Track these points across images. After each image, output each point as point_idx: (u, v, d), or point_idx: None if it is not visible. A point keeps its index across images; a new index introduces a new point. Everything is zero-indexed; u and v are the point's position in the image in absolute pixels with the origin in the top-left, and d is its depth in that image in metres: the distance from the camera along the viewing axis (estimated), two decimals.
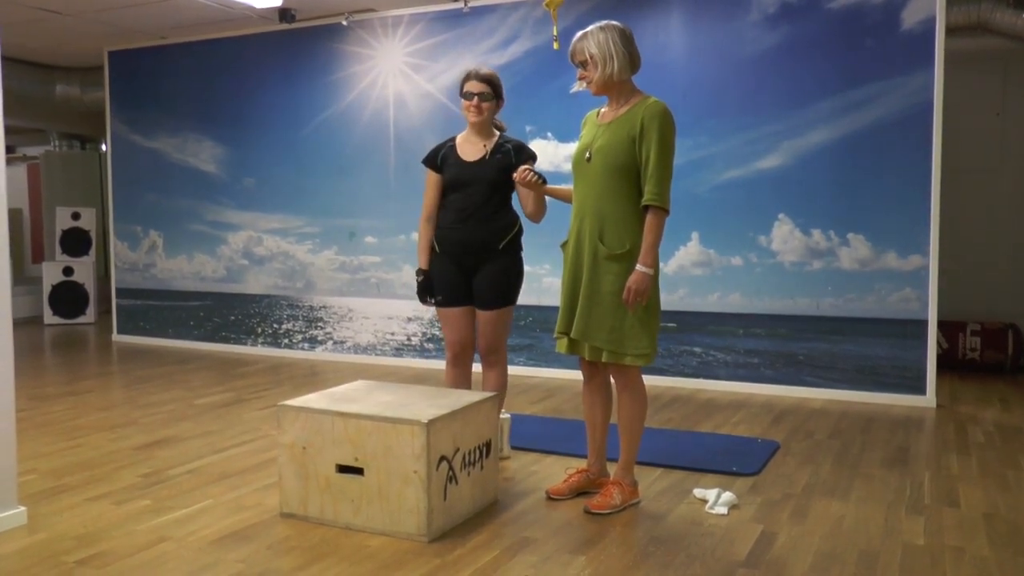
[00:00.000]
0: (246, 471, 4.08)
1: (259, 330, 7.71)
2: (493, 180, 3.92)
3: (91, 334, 9.16)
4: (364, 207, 7.09)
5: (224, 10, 6.91)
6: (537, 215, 3.94)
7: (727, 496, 3.58)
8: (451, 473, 3.25)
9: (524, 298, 6.42)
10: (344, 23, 7.08)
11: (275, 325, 7.64)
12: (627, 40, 3.42)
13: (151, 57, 8.20)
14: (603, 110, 3.54)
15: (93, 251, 10.01)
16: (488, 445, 3.51)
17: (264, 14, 7.00)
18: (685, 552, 3.06)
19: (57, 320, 9.77)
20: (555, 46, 4.50)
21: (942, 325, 6.45)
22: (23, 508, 3.40)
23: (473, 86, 3.93)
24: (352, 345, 7.26)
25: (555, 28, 4.42)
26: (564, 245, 3.58)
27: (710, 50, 5.96)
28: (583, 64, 3.44)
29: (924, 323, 5.48)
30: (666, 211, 3.33)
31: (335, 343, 7.35)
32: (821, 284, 5.73)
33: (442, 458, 3.20)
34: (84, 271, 9.87)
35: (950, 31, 5.80)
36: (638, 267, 3.31)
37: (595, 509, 3.45)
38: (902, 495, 3.72)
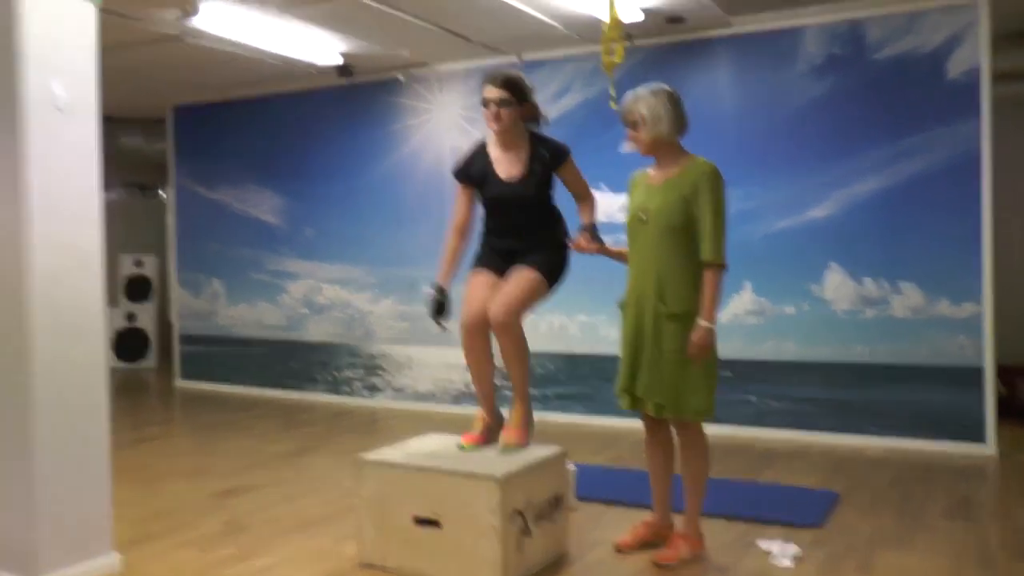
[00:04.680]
0: (322, 520, 4.23)
1: (319, 377, 7.91)
2: (533, 196, 3.69)
3: (153, 379, 9.44)
4: (423, 257, 7.26)
5: (285, 67, 7.17)
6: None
7: (792, 548, 3.66)
8: (524, 526, 3.38)
9: (581, 347, 6.62)
10: (400, 78, 7.32)
11: (335, 372, 7.84)
12: (676, 104, 3.56)
13: (214, 111, 8.53)
14: (651, 171, 3.66)
15: (154, 297, 10.32)
16: (558, 498, 3.63)
17: (324, 70, 7.25)
18: None
19: (121, 365, 10.06)
20: (612, 105, 4.65)
21: (1001, 371, 6.42)
22: (117, 555, 3.56)
23: (489, 92, 3.58)
24: (411, 393, 7.43)
25: (611, 87, 4.59)
26: (622, 305, 3.68)
27: (758, 101, 6.10)
28: (634, 124, 3.57)
29: (981, 370, 5.51)
30: (724, 267, 3.46)
31: (394, 391, 7.52)
32: (874, 332, 5.78)
33: (516, 511, 3.32)
34: (146, 317, 10.19)
35: (998, 78, 5.86)
36: (700, 322, 3.42)
37: (663, 561, 3.55)
38: (968, 548, 3.76)
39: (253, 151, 8.29)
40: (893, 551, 3.72)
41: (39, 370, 3.25)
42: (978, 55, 5.49)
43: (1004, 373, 6.56)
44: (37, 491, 3.24)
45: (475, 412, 3.85)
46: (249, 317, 8.37)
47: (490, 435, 3.74)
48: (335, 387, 7.81)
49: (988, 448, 5.47)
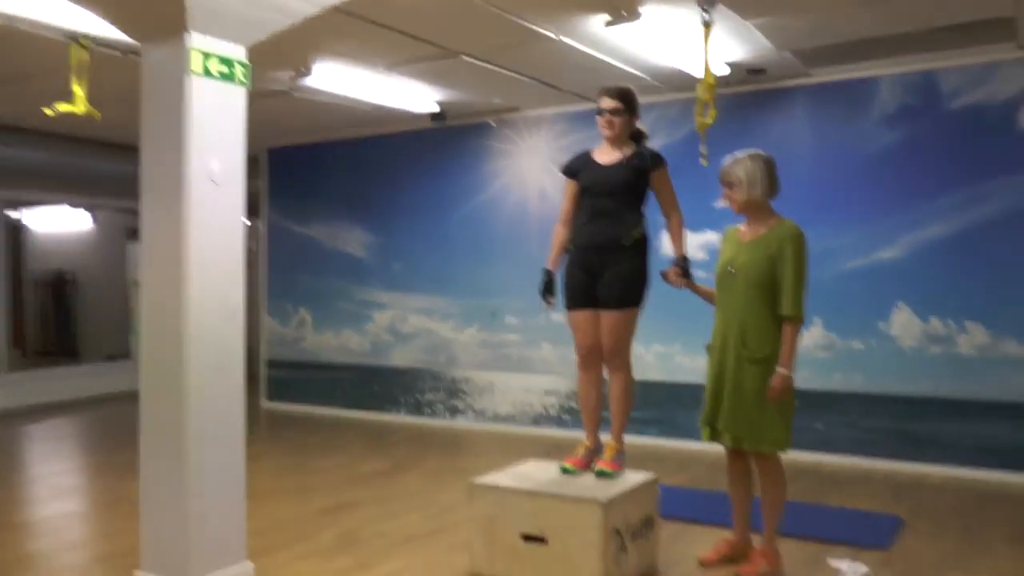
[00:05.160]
0: (428, 535, 4.65)
1: (402, 400, 8.39)
2: (626, 180, 4.05)
3: None
4: (506, 289, 7.69)
5: (380, 114, 7.58)
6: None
7: (861, 568, 4.00)
8: (622, 543, 3.77)
9: (657, 375, 6.97)
10: (491, 123, 7.78)
11: (418, 395, 8.30)
12: (771, 169, 3.96)
13: (306, 152, 9.09)
14: (742, 228, 4.06)
15: None
16: (650, 519, 4.02)
17: (418, 116, 7.66)
18: None
19: None
20: (703, 162, 5.05)
21: None
22: (250, 563, 3.97)
23: (605, 102, 4.07)
24: (492, 415, 7.86)
25: (703, 146, 4.98)
26: (708, 347, 4.08)
27: (833, 147, 6.41)
28: (730, 185, 3.98)
29: None
30: (802, 322, 3.85)
31: (475, 412, 7.96)
32: (940, 368, 6.05)
33: (615, 531, 3.72)
34: None
35: None
36: (779, 369, 3.81)
37: (746, 574, 3.91)
38: None
39: (344, 190, 8.82)
40: (959, 573, 4.02)
41: (192, 401, 3.65)
42: None
43: None
44: (190, 505, 3.64)
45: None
46: (334, 343, 8.87)
47: (591, 458, 4.15)
48: (417, 409, 8.28)
49: None
